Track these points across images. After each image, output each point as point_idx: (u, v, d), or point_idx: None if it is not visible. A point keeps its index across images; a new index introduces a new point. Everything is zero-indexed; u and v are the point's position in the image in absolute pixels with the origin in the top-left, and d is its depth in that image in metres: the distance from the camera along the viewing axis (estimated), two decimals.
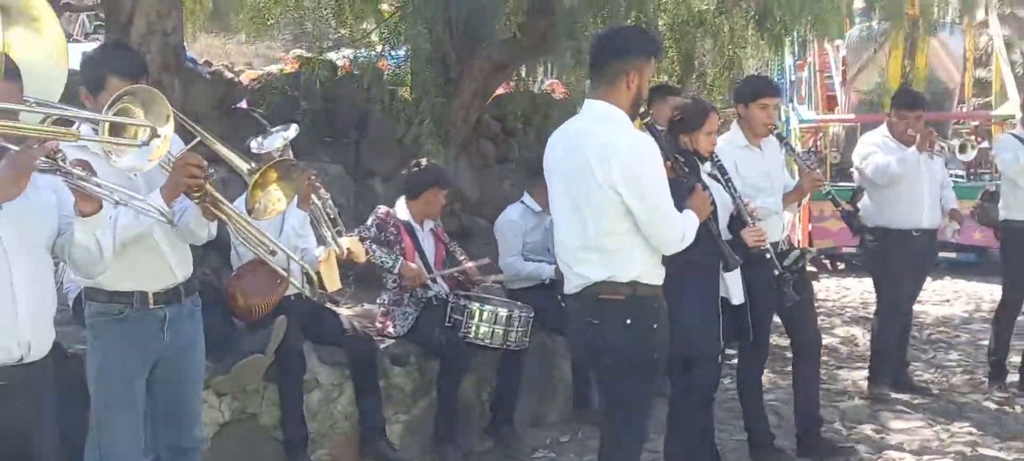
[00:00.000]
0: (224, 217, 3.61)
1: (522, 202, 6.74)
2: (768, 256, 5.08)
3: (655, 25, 8.74)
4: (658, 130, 4.39)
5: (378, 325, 5.94)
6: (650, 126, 4.18)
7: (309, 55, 8.72)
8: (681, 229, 3.88)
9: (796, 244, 5.83)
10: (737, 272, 5.00)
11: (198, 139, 3.53)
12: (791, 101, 15.40)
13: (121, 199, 3.24)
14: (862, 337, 9.13)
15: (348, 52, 9.15)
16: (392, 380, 5.64)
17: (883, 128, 6.96)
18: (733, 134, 5.67)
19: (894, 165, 6.49)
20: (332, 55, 10.35)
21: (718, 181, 5.10)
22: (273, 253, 3.94)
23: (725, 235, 4.95)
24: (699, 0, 8.84)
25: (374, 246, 5.79)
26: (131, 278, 3.68)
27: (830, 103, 16.34)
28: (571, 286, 4.01)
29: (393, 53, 9.73)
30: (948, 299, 11.49)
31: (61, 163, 2.97)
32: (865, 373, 7.37)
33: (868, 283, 12.20)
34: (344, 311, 6.09)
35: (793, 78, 16.19)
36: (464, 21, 7.62)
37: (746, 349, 5.58)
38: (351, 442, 5.42)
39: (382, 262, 5.78)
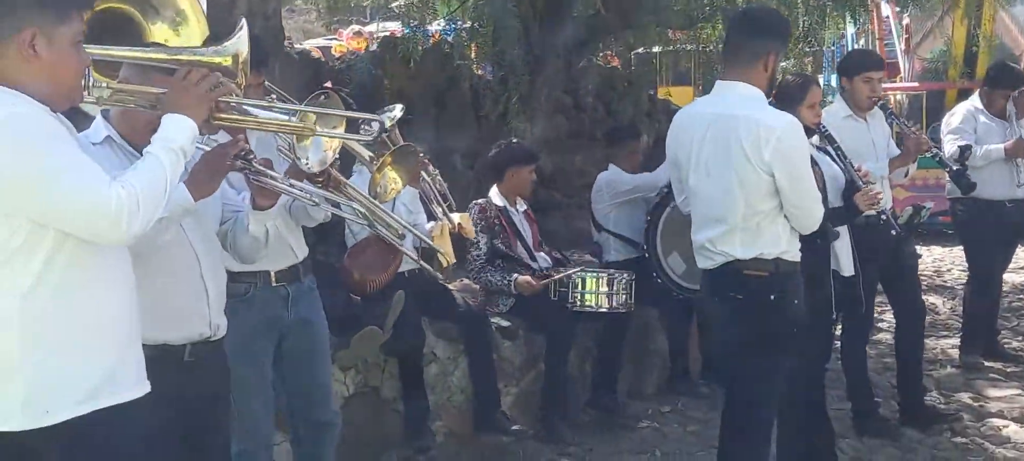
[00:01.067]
0: (348, 199, 3.72)
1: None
2: (883, 218, 5.14)
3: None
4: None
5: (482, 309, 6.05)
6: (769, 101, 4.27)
7: (398, 34, 8.78)
8: (820, 209, 4.01)
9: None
10: (848, 242, 5.08)
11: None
12: None
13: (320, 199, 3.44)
14: (942, 306, 9.14)
15: (435, 27, 9.24)
16: (502, 354, 5.76)
17: (975, 100, 6.98)
18: (837, 106, 5.74)
19: (998, 151, 6.56)
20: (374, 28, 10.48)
21: (826, 152, 5.16)
22: (402, 237, 4.05)
23: (838, 205, 5.03)
24: None
25: (485, 273, 5.92)
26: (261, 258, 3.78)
27: (891, 71, 16.25)
28: (710, 262, 4.08)
29: (451, 27, 9.85)
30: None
31: (252, 163, 3.10)
32: (953, 342, 7.42)
33: (938, 251, 12.34)
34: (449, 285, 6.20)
35: (855, 46, 16.11)
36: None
37: (853, 319, 5.63)
38: (466, 414, 5.56)
39: (496, 285, 5.91)
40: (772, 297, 3.95)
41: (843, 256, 5.11)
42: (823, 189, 4.67)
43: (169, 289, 3.04)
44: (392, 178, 3.94)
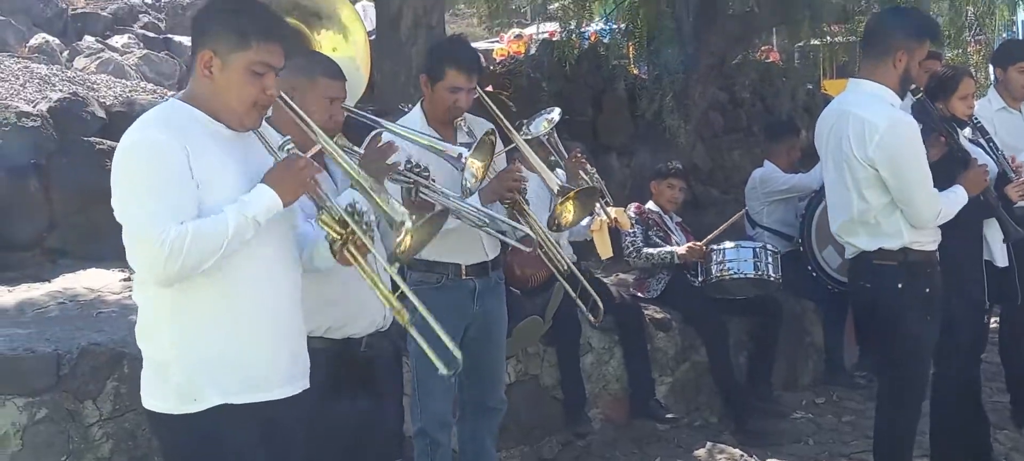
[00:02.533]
0: (526, 226, 4.04)
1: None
2: None
3: None
4: (931, 104, 4.53)
5: (633, 289, 6.29)
6: (923, 101, 4.38)
7: (555, 37, 9.08)
8: (937, 206, 4.07)
9: None
10: (999, 233, 5.07)
11: (513, 145, 3.98)
12: None
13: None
14: None
15: (593, 28, 9.49)
16: (656, 344, 5.98)
17: None
18: (990, 98, 5.71)
19: None
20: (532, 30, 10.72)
21: (979, 145, 5.16)
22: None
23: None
24: None
25: (644, 249, 6.15)
26: (448, 251, 4.13)
27: None
28: (847, 252, 4.31)
29: (607, 28, 10.08)
30: None
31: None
32: None
33: None
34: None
35: None
36: None
37: (1011, 311, 5.60)
38: (622, 402, 5.82)
39: (660, 259, 6.14)
40: (900, 285, 4.10)
41: (996, 247, 5.10)
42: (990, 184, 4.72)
43: (350, 282, 3.27)
44: (568, 210, 4.23)
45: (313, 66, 3.41)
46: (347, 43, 4.62)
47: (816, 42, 13.20)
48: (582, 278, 4.42)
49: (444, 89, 4.06)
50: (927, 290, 4.17)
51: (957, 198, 4.20)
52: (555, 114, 5.88)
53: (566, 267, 4.23)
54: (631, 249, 6.14)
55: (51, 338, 4.75)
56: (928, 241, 4.18)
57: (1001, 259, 5.13)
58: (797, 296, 6.69)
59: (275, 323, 2.80)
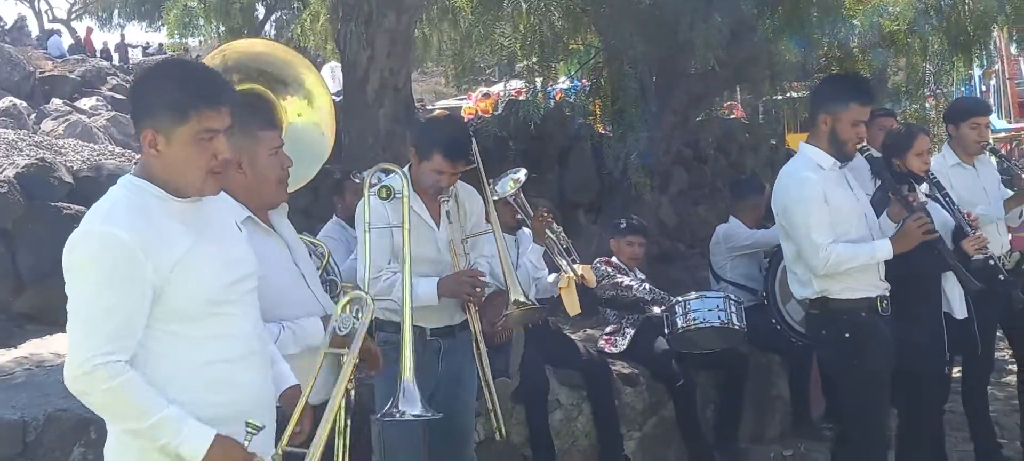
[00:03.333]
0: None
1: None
2: (991, 262, 5.19)
3: (847, 45, 8.93)
4: (875, 157, 4.69)
5: (601, 344, 6.35)
6: (866, 154, 4.66)
7: (521, 96, 9.21)
8: (825, 255, 4.30)
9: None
10: (957, 285, 5.17)
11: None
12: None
13: None
14: None
15: (558, 87, 9.63)
16: (624, 399, 6.02)
17: None
18: (945, 154, 5.83)
19: None
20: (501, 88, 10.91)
21: (936, 200, 5.28)
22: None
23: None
24: (891, 21, 8.93)
25: (617, 278, 6.29)
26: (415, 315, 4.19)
27: (1023, 110, 15.96)
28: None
29: (573, 87, 10.25)
30: None
31: None
32: None
33: None
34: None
35: (983, 88, 15.86)
36: (667, 58, 7.97)
37: (971, 361, 5.70)
38: (591, 458, 5.84)
39: (629, 295, 6.27)
40: (823, 332, 4.52)
41: (955, 299, 5.22)
42: (941, 238, 4.83)
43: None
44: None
45: (247, 123, 3.31)
46: (312, 108, 4.67)
47: (778, 97, 13.51)
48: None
49: (429, 168, 4.20)
50: (847, 335, 4.43)
51: (872, 250, 4.40)
52: (521, 174, 5.99)
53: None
54: (605, 280, 6.21)
55: (17, 405, 4.74)
56: (851, 288, 4.42)
57: (960, 311, 5.24)
58: (762, 349, 6.76)
59: (245, 397, 2.80)
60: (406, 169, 4.31)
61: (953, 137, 5.80)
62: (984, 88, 16.00)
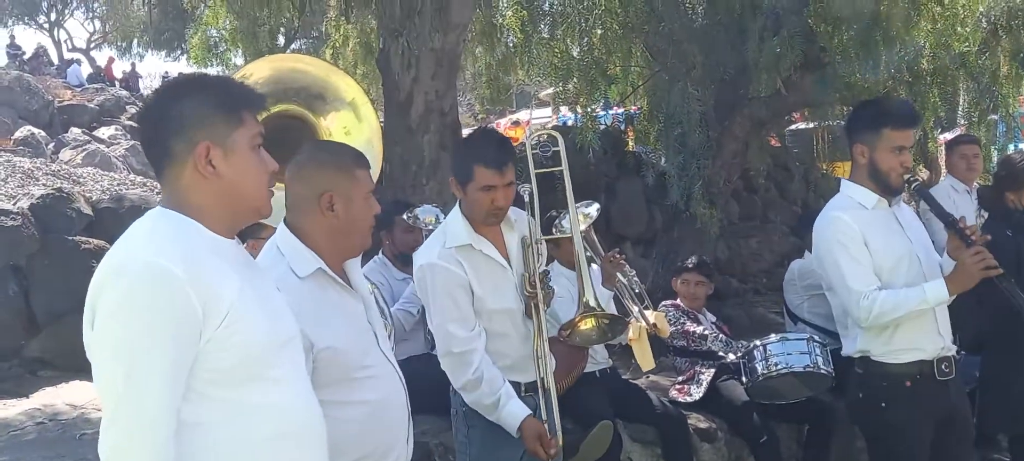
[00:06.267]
0: None
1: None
2: None
3: (916, 69, 8.37)
4: (925, 191, 4.11)
5: (673, 394, 5.75)
6: (917, 187, 3.99)
7: (569, 124, 8.67)
8: (866, 304, 3.69)
9: None
10: None
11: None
12: None
13: None
14: None
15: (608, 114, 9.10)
16: (701, 457, 5.41)
17: None
18: None
19: None
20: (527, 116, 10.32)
21: None
22: None
23: None
24: (959, 42, 8.36)
25: (688, 326, 5.70)
26: (505, 370, 3.71)
27: None
28: None
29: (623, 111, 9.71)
30: None
31: None
32: None
33: None
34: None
35: None
36: (727, 80, 7.42)
37: None
38: None
39: (703, 343, 5.72)
40: (860, 395, 3.91)
41: None
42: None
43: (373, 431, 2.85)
44: (587, 325, 3.95)
45: (341, 158, 2.86)
46: (360, 123, 4.15)
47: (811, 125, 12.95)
48: None
49: (476, 190, 3.59)
50: (882, 404, 3.80)
51: (923, 294, 3.67)
52: (594, 209, 5.41)
53: None
54: (675, 327, 5.63)
55: None
56: (897, 347, 3.77)
57: None
58: (842, 396, 6.12)
59: None
60: (457, 209, 3.76)
61: None
62: None
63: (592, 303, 3.81)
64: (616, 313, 4.15)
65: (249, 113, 2.19)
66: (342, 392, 2.61)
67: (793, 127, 12.64)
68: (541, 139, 4.02)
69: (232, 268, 2.13)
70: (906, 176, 3.80)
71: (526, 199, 3.86)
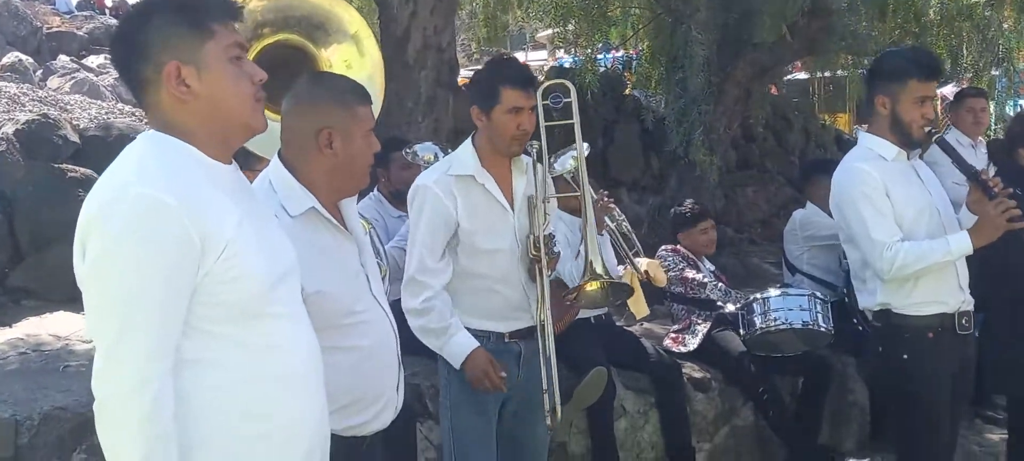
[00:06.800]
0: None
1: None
2: None
3: (923, 19, 8.23)
4: (946, 143, 3.98)
5: (668, 343, 5.66)
6: (936, 138, 3.84)
7: (567, 65, 8.51)
8: (889, 254, 3.62)
9: None
10: None
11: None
12: None
13: None
14: None
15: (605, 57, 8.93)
16: (694, 407, 5.34)
17: None
18: None
19: None
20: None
21: None
22: None
23: None
24: None
25: (687, 273, 5.58)
26: (490, 317, 3.62)
27: None
28: None
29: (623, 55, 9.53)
30: None
31: None
32: None
33: None
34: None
35: None
36: (731, 24, 7.26)
37: None
38: None
39: (702, 291, 5.60)
40: (880, 349, 3.86)
41: None
42: None
43: (365, 378, 2.72)
44: (592, 287, 3.74)
45: (342, 93, 2.72)
46: (362, 58, 4.02)
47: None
48: None
49: (503, 114, 3.47)
50: (904, 356, 3.74)
51: (947, 246, 3.62)
52: (584, 149, 5.28)
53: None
54: (672, 273, 5.52)
55: (9, 399, 4.09)
56: (920, 300, 3.72)
57: None
58: (837, 351, 6.05)
59: (292, 429, 2.13)
60: (470, 141, 3.63)
61: None
62: None
63: (599, 269, 3.66)
64: (622, 279, 4.00)
65: (220, 24, 2.06)
66: (331, 337, 2.47)
67: (789, 76, 12.49)
68: (552, 88, 3.83)
69: (231, 199, 2.02)
70: (928, 128, 3.70)
71: (533, 156, 3.72)
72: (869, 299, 3.85)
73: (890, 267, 3.63)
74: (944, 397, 3.77)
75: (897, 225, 3.66)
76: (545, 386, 3.57)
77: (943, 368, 3.76)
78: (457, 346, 3.49)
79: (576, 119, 3.74)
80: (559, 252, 3.73)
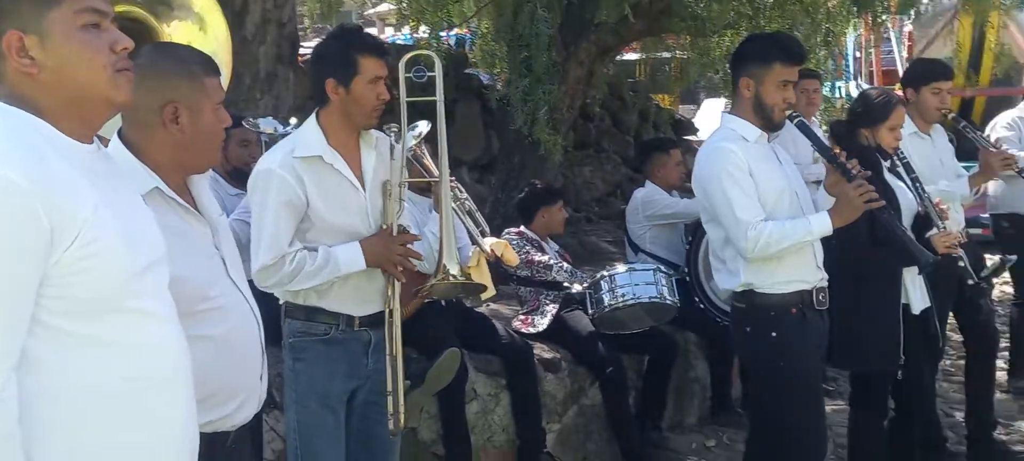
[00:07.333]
0: None
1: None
2: (961, 264, 4.66)
3: (756, 1, 8.42)
4: (806, 125, 4.11)
5: (517, 324, 5.63)
6: (796, 120, 3.97)
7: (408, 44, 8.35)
8: (752, 234, 3.70)
9: None
10: (917, 276, 4.65)
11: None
12: (855, 77, 15.13)
13: None
14: None
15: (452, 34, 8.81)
16: (544, 387, 5.32)
17: (1021, 109, 6.61)
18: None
19: None
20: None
21: (901, 179, 4.74)
22: None
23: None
24: None
25: (536, 256, 5.55)
26: (339, 299, 3.47)
27: (888, 77, 15.96)
28: None
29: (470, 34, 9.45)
30: None
31: None
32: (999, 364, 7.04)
33: None
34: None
35: (857, 54, 15.84)
36: (575, 3, 7.27)
37: (918, 350, 5.22)
38: (509, 456, 5.12)
39: (548, 273, 5.59)
40: (747, 329, 3.95)
41: (914, 291, 4.65)
42: (899, 215, 4.33)
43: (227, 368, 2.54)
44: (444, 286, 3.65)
45: (189, 64, 2.54)
46: (205, 36, 3.81)
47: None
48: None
49: (364, 84, 3.32)
50: (773, 334, 3.85)
51: (808, 226, 3.76)
52: (422, 127, 5.14)
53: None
54: (522, 256, 5.46)
55: None
56: (781, 280, 3.84)
57: (919, 303, 4.64)
58: (680, 328, 6.15)
59: (167, 436, 1.98)
60: (313, 119, 3.47)
61: (911, 102, 5.30)
62: (856, 54, 15.98)
63: (454, 271, 3.55)
64: (474, 280, 3.91)
65: None
66: (185, 326, 2.31)
67: (618, 57, 12.68)
68: (415, 61, 3.68)
69: (87, 181, 1.83)
70: (788, 111, 3.77)
71: (392, 138, 3.59)
72: (731, 280, 3.92)
73: (754, 246, 3.70)
74: (818, 368, 3.96)
75: (760, 205, 3.71)
76: (389, 388, 3.45)
77: (811, 341, 3.91)
78: (345, 254, 3.37)
79: (439, 96, 3.60)
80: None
